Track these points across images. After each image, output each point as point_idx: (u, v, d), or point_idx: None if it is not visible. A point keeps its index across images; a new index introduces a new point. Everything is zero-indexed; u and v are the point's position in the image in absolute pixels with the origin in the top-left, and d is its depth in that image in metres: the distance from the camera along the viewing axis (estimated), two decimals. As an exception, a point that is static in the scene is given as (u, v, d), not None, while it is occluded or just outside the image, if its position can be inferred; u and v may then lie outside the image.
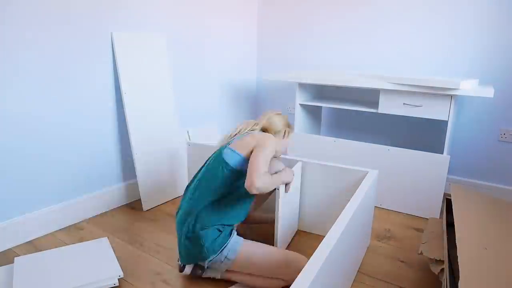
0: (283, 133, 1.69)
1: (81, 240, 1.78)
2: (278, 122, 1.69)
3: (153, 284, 1.46)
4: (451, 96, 1.98)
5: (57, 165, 1.84)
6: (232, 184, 1.46)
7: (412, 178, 2.11)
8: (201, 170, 1.55)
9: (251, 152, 1.46)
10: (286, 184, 1.59)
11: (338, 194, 1.79)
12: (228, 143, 1.55)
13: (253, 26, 3.11)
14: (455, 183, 2.46)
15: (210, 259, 1.40)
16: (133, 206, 2.18)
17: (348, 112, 2.85)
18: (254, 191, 1.34)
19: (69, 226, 1.92)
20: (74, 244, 1.66)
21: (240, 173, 1.46)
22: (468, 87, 1.91)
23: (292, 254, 1.44)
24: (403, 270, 1.61)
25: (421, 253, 1.45)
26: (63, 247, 1.63)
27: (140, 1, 2.10)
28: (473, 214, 1.52)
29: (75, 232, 1.86)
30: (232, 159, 1.46)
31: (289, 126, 1.73)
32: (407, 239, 1.88)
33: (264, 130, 1.67)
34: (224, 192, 1.45)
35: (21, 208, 1.74)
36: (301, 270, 1.25)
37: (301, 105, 2.55)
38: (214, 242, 1.39)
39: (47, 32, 1.70)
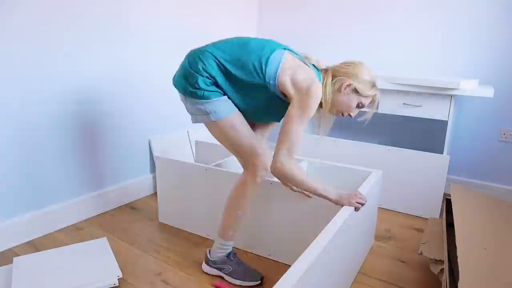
0: (345, 83, 1.33)
1: (81, 240, 1.78)
2: (362, 72, 1.35)
3: (153, 284, 1.46)
4: (451, 96, 1.98)
5: (57, 165, 1.84)
6: (255, 82, 1.30)
7: (412, 178, 2.11)
8: (246, 40, 1.36)
9: (287, 92, 1.28)
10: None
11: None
12: (288, 49, 1.34)
13: (252, 26, 3.11)
14: (455, 183, 2.46)
15: (195, 93, 1.30)
16: (133, 206, 2.18)
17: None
18: (274, 174, 1.24)
19: (69, 226, 1.92)
20: (73, 244, 1.66)
21: (267, 87, 1.29)
22: (468, 87, 1.91)
23: (262, 154, 1.36)
24: (403, 270, 1.61)
25: (421, 253, 1.45)
26: (62, 247, 1.63)
27: None
28: (473, 214, 1.52)
29: (75, 232, 1.86)
30: (269, 71, 1.27)
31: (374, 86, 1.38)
32: (407, 239, 1.88)
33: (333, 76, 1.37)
34: (242, 79, 1.30)
35: (21, 208, 1.74)
36: (262, 168, 1.36)
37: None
38: (207, 86, 1.30)
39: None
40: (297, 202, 1.52)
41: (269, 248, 1.65)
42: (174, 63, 1.79)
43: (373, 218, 1.73)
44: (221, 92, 1.34)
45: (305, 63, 1.33)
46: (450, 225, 1.59)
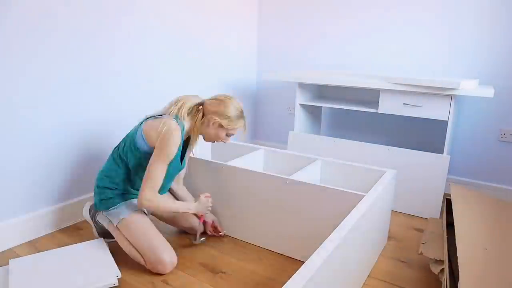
0: (211, 120, 1.58)
1: (81, 240, 1.78)
2: (212, 105, 1.59)
3: (153, 284, 1.46)
4: (451, 96, 1.98)
5: (57, 165, 1.84)
6: (140, 159, 1.55)
7: (412, 178, 2.11)
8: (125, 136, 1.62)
9: (152, 142, 1.51)
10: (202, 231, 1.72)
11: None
12: (148, 118, 1.57)
13: (253, 26, 3.11)
14: (455, 183, 2.46)
15: (98, 211, 1.63)
16: (133, 206, 2.18)
17: (348, 112, 2.85)
18: (142, 208, 1.53)
19: (69, 226, 1.92)
20: (70, 245, 1.64)
21: (150, 155, 1.51)
22: (468, 87, 1.91)
23: (161, 248, 1.51)
24: (403, 270, 1.61)
25: (421, 253, 1.45)
26: (59, 249, 1.61)
27: None
28: (473, 214, 1.52)
29: (75, 232, 1.86)
30: (141, 145, 1.52)
31: (226, 116, 1.59)
32: (407, 239, 1.88)
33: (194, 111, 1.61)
34: (131, 162, 1.57)
35: (21, 208, 1.74)
36: (161, 263, 1.50)
37: (301, 105, 2.55)
38: (102, 200, 1.58)
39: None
40: (311, 200, 1.54)
41: (283, 244, 1.67)
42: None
43: (386, 218, 1.74)
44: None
45: (162, 116, 1.54)
46: (450, 225, 1.59)
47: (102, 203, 1.58)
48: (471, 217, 1.48)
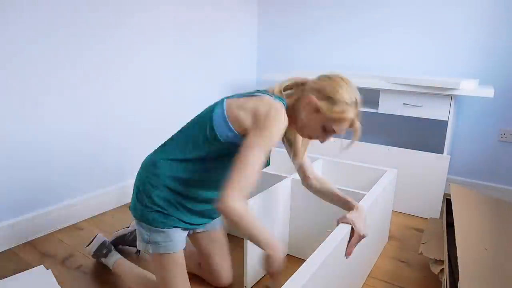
0: (307, 99, 1.11)
1: (81, 240, 1.77)
2: (335, 89, 1.09)
3: (153, 284, 1.46)
4: (451, 96, 1.98)
5: (57, 165, 1.84)
6: (214, 151, 1.12)
7: (412, 178, 2.10)
8: (188, 122, 1.22)
9: (245, 130, 1.06)
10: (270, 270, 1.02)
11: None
12: (232, 96, 1.15)
13: (253, 26, 3.10)
14: (455, 183, 2.46)
15: (140, 224, 1.19)
16: (133, 206, 2.18)
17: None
18: (220, 211, 0.98)
19: (69, 226, 1.92)
20: (6, 278, 1.41)
21: (230, 145, 1.09)
22: (468, 87, 1.91)
23: None
24: (403, 270, 1.61)
25: (421, 253, 1.45)
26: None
27: None
28: (473, 214, 1.52)
29: (75, 232, 1.86)
30: (220, 128, 1.09)
31: (354, 106, 1.12)
32: (407, 239, 1.88)
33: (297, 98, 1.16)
34: (200, 156, 1.13)
35: (21, 208, 1.74)
36: None
37: (301, 105, 2.55)
38: (149, 213, 1.15)
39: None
40: (312, 198, 1.53)
41: (283, 243, 1.67)
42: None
43: (387, 218, 1.74)
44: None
45: (252, 94, 1.14)
46: (450, 225, 1.59)
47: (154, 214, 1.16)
48: (471, 217, 1.48)
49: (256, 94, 1.13)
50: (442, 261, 1.37)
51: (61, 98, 1.80)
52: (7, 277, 1.43)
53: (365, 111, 2.75)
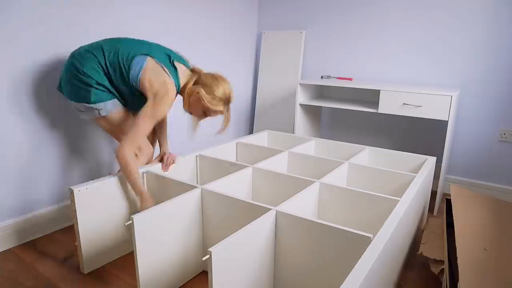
0: (196, 90, 1.56)
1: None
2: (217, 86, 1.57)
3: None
4: (451, 96, 1.98)
5: (58, 165, 1.84)
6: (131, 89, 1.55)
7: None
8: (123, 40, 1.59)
9: (145, 92, 1.50)
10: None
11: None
12: (154, 56, 1.53)
13: (253, 26, 3.11)
14: (455, 183, 2.46)
15: (89, 103, 1.53)
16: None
17: (348, 112, 2.85)
18: (117, 159, 1.43)
19: (69, 226, 1.92)
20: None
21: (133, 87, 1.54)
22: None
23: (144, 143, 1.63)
24: (403, 270, 1.60)
25: (421, 253, 1.45)
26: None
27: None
28: (473, 214, 1.52)
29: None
30: (132, 78, 1.51)
31: (226, 101, 1.60)
32: (407, 239, 1.88)
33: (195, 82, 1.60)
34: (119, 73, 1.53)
35: (21, 208, 1.74)
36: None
37: (301, 105, 2.55)
38: (96, 92, 1.52)
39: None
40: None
41: None
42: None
43: (425, 205, 1.81)
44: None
45: (164, 68, 1.52)
46: (450, 225, 1.60)
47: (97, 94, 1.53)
48: (471, 217, 1.48)
49: (169, 67, 1.54)
50: (442, 261, 1.37)
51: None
52: (7, 277, 1.43)
53: (365, 111, 2.76)
